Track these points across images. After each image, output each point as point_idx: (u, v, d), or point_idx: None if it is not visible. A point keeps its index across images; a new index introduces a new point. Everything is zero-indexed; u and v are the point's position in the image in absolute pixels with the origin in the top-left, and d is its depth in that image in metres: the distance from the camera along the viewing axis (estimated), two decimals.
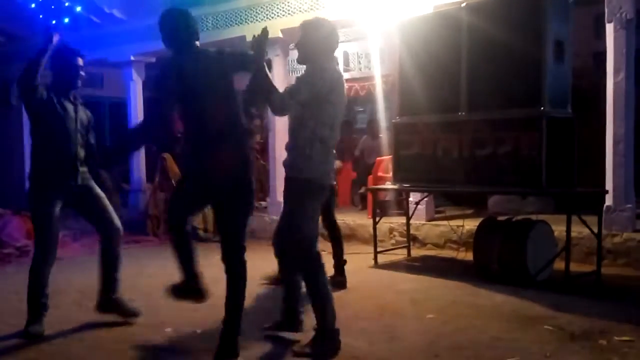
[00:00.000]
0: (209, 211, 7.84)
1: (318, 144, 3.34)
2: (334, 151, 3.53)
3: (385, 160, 7.38)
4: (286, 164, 3.44)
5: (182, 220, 3.42)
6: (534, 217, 5.30)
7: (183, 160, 3.51)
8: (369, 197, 7.01)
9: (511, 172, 4.89)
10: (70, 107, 3.91)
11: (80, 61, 3.94)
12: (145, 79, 9.31)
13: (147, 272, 5.72)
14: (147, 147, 9.72)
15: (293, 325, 3.67)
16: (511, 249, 4.88)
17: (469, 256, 5.60)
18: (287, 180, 3.44)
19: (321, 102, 3.31)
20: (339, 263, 5.00)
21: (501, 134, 4.95)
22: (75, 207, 4.09)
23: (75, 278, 5.48)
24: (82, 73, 3.94)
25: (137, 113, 9.39)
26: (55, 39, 3.78)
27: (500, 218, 5.37)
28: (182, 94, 3.28)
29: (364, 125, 9.91)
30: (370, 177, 7.52)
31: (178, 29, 3.33)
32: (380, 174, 7.41)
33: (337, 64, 3.66)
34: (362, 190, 7.98)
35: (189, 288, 3.47)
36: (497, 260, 4.94)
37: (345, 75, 10.45)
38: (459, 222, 6.34)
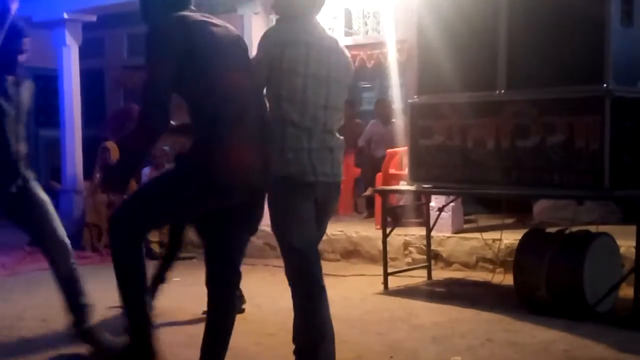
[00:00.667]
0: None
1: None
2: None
3: (399, 152, 7.39)
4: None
5: (146, 230, 3.41)
6: (593, 229, 5.32)
7: (187, 155, 3.35)
8: (378, 201, 7.01)
9: (564, 169, 4.90)
10: (12, 91, 4.03)
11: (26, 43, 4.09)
12: (84, 43, 9.27)
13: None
14: (86, 135, 9.73)
15: None
16: (564, 270, 4.89)
17: (508, 280, 5.61)
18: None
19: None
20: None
21: (551, 118, 4.97)
22: (10, 216, 4.13)
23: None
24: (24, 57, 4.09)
25: (71, 88, 9.34)
26: (14, 6, 3.79)
27: (550, 230, 5.38)
28: (204, 67, 3.17)
29: (371, 106, 9.91)
30: (379, 175, 7.53)
31: None
32: (392, 170, 7.43)
33: (321, 28, 3.65)
34: (369, 192, 7.99)
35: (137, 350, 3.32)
36: (546, 285, 4.94)
37: (348, 40, 10.54)
38: (495, 235, 6.37)
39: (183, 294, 5.71)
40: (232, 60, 3.23)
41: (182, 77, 3.10)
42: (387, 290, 5.83)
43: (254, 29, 7.73)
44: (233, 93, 3.18)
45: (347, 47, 11.64)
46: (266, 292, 5.86)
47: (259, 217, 3.43)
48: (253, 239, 7.33)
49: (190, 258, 7.62)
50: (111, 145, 8.53)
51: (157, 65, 3.14)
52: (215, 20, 3.31)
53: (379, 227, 6.64)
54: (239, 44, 3.33)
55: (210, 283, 3.29)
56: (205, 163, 3.10)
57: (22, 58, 4.07)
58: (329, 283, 6.16)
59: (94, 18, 9.07)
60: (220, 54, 3.17)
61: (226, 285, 3.33)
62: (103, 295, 5.74)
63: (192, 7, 3.35)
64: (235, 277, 3.40)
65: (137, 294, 3.32)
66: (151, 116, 3.12)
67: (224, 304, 3.33)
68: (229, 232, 3.31)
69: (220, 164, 3.10)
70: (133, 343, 3.32)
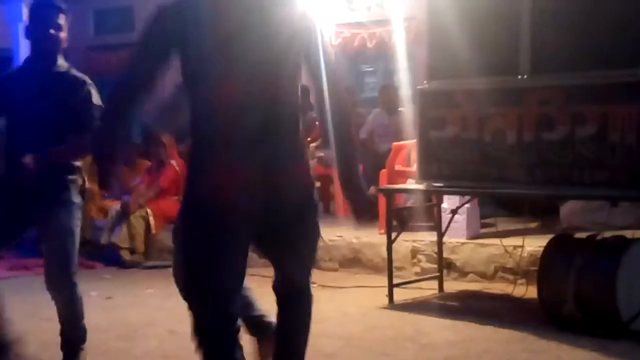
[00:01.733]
0: (136, 221, 7.89)
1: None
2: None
3: (406, 146, 7.40)
4: None
5: (231, 307, 2.99)
6: (629, 234, 5.34)
7: (197, 177, 3.06)
8: (382, 202, 7.02)
9: (596, 165, 4.92)
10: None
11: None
12: None
13: (44, 314, 5.68)
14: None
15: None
16: (595, 282, 4.91)
17: (531, 292, 5.63)
18: None
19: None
20: None
21: (581, 108, 4.98)
22: None
23: None
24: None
25: None
26: None
27: (579, 235, 5.40)
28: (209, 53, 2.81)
29: (374, 93, 9.92)
30: (384, 172, 7.54)
31: None
32: (397, 167, 7.44)
33: None
34: (372, 191, 7.99)
35: None
36: (574, 298, 4.96)
37: (348, 18, 10.55)
38: (517, 241, 6.38)
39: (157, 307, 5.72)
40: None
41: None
42: (392, 304, 5.84)
43: None
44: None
45: (348, 25, 11.77)
46: None
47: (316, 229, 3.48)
48: None
49: (166, 267, 7.63)
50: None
51: (132, 57, 3.02)
52: None
53: (383, 231, 6.65)
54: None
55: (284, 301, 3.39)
56: None
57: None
58: (326, 296, 6.24)
59: None
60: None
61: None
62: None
63: None
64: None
65: None
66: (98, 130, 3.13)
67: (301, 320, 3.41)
68: (289, 253, 3.34)
69: None
70: None
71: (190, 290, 2.98)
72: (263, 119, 2.84)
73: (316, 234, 3.34)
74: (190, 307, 2.92)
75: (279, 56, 2.86)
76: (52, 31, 3.95)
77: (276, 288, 3.29)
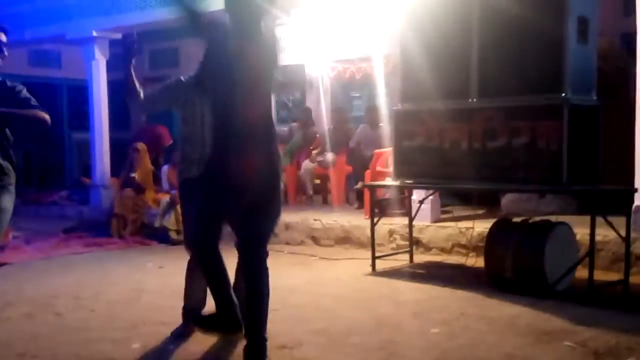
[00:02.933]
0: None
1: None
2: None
3: (385, 153, 7.39)
4: None
5: (212, 239, 3.38)
6: (553, 218, 5.32)
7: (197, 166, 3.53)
8: (366, 194, 7.01)
9: (528, 166, 4.90)
10: None
11: (3, 37, 3.73)
12: (110, 57, 9.26)
13: (112, 279, 5.70)
14: (113, 138, 9.74)
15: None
16: (527, 254, 4.90)
17: (479, 262, 5.62)
18: None
19: None
20: None
21: (516, 123, 4.96)
22: None
23: (27, 287, 5.45)
24: (5, 52, 3.72)
25: (100, 97, 9.36)
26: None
27: (516, 219, 5.38)
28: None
29: (361, 113, 9.90)
30: (368, 172, 7.53)
31: None
32: (379, 168, 7.43)
33: None
34: (359, 186, 7.99)
35: (224, 318, 3.41)
36: (512, 267, 4.95)
37: (341, 56, 10.53)
38: (468, 223, 6.38)
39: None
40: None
41: None
42: (374, 272, 5.81)
43: None
44: None
45: (341, 62, 11.66)
46: (271, 272, 5.84)
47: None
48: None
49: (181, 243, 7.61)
50: (141, 146, 8.54)
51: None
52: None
53: (367, 217, 6.64)
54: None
55: (244, 265, 3.53)
56: None
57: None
58: (325, 266, 6.23)
59: (119, 36, 9.02)
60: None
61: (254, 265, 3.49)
62: (127, 276, 5.79)
63: None
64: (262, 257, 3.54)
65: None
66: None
67: (255, 279, 3.48)
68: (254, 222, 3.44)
69: None
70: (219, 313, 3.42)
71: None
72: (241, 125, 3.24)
73: (275, 211, 3.48)
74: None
75: (251, 86, 3.25)
76: None
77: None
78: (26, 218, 9.34)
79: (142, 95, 3.92)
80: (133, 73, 3.86)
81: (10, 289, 5.34)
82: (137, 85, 3.89)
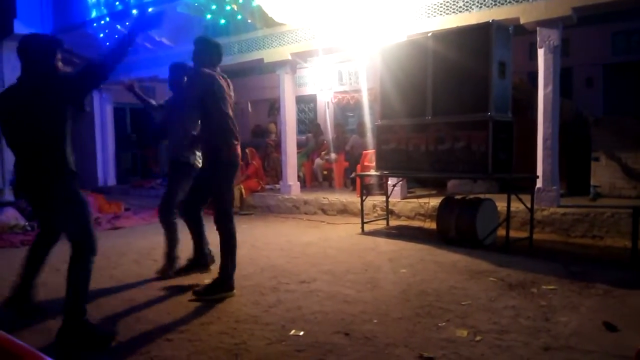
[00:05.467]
0: (236, 191, 7.89)
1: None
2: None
3: (370, 153, 7.36)
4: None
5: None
6: (482, 196, 5.30)
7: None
8: (358, 181, 7.01)
9: (465, 161, 4.88)
10: None
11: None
12: None
13: (187, 237, 5.72)
14: None
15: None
16: (465, 220, 4.89)
17: (433, 225, 5.61)
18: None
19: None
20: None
21: (458, 133, 4.93)
22: None
23: (134, 242, 5.49)
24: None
25: None
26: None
27: (457, 197, 5.37)
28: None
29: (355, 126, 9.86)
30: (359, 166, 7.50)
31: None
32: (366, 163, 7.40)
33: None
34: (353, 175, 7.97)
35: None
36: (455, 228, 4.95)
37: (340, 88, 10.49)
38: (425, 199, 6.36)
39: (247, 233, 5.67)
40: None
41: None
42: (363, 232, 5.80)
43: (286, 82, 7.71)
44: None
45: (340, 92, 11.56)
46: (294, 232, 5.88)
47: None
48: (285, 202, 7.32)
49: (250, 214, 7.63)
50: (250, 150, 8.43)
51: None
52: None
53: (358, 196, 6.63)
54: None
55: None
56: None
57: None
58: (330, 228, 6.23)
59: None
60: None
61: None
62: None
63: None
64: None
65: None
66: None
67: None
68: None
69: None
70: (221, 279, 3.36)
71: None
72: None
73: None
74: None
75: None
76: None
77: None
78: (133, 197, 9.42)
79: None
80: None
81: (123, 244, 5.39)
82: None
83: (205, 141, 3.40)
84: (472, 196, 5.30)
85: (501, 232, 4.89)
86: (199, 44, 3.43)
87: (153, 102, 4.25)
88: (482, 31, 4.71)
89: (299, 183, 7.99)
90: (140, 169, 12.23)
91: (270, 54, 7.69)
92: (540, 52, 5.47)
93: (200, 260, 3.91)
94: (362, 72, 9.51)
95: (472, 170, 4.86)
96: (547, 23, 5.36)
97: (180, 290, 3.62)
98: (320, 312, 3.06)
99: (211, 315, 3.07)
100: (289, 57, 7.47)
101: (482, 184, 6.58)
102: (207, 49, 3.41)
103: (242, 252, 4.86)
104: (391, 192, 6.37)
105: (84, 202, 2.69)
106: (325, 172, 9.16)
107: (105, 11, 8.84)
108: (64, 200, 2.64)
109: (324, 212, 7.29)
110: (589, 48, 7.94)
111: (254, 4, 7.17)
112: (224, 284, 3.35)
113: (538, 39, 5.45)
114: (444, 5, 5.95)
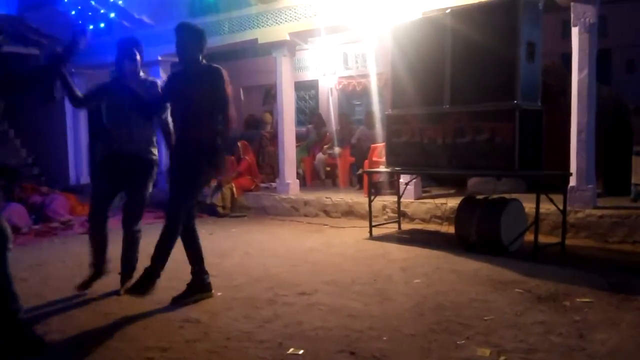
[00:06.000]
0: (226, 190, 7.91)
1: None
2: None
3: (379, 146, 7.36)
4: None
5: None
6: (507, 196, 5.30)
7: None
8: (365, 178, 7.00)
9: (488, 157, 4.87)
10: None
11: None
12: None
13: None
14: None
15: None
16: (487, 223, 4.88)
17: (451, 229, 5.60)
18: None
19: None
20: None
21: (479, 124, 4.92)
22: None
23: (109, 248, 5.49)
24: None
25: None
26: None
27: (479, 197, 5.36)
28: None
29: (361, 116, 9.86)
30: (366, 162, 7.51)
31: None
32: (374, 158, 7.40)
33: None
34: (359, 172, 7.98)
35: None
36: (476, 233, 4.95)
37: (345, 73, 10.49)
38: (442, 200, 6.35)
39: (238, 239, 5.69)
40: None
41: None
42: (371, 237, 5.81)
43: (283, 66, 7.71)
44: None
45: (345, 77, 11.58)
46: (293, 237, 5.90)
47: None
48: (282, 203, 7.33)
49: (242, 217, 7.65)
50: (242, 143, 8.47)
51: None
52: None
53: (366, 195, 6.64)
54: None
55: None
56: None
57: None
58: (334, 232, 6.24)
59: (177, 59, 9.02)
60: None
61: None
62: None
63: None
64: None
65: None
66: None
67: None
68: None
69: None
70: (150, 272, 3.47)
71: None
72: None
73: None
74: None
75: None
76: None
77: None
78: None
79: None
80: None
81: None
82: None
83: (205, 136, 3.49)
84: (495, 196, 5.30)
85: (529, 237, 4.88)
86: (184, 33, 3.49)
87: (79, 93, 3.91)
88: (508, 7, 4.69)
89: (298, 181, 8.00)
90: None
91: (265, 34, 7.69)
92: (575, 31, 5.45)
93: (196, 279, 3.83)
94: (371, 55, 9.50)
95: (496, 166, 4.85)
96: None
97: (160, 302, 3.62)
98: (323, 327, 3.07)
99: (198, 331, 3.08)
100: (287, 38, 7.46)
101: (507, 182, 6.58)
102: (195, 38, 3.48)
103: (234, 260, 4.91)
104: (403, 191, 6.38)
105: None
106: (328, 169, 9.18)
107: None
108: None
109: (327, 214, 7.29)
110: (630, 27, 7.90)
111: None
112: (151, 279, 3.44)
113: (572, 15, 5.43)
114: None
